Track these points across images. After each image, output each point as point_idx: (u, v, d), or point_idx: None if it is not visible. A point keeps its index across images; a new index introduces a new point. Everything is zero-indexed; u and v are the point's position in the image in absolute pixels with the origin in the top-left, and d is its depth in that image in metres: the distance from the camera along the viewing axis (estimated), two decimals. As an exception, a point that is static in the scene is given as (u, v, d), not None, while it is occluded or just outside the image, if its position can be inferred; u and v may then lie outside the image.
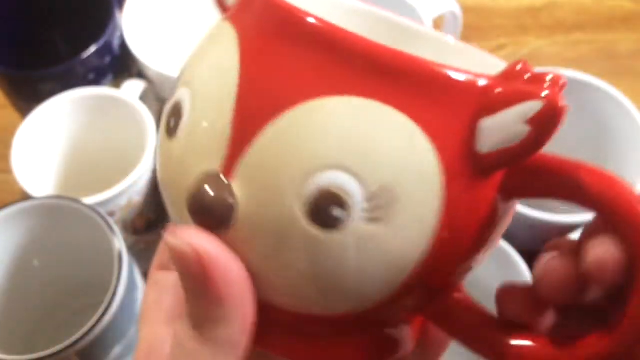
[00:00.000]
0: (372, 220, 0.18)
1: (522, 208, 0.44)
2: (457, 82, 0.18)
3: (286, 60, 0.18)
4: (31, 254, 0.44)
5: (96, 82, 0.52)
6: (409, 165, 0.18)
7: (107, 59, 0.52)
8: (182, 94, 0.20)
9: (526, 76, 0.18)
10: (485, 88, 0.18)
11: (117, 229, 0.39)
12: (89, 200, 0.42)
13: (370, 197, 0.17)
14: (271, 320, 0.20)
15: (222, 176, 0.18)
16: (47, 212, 0.41)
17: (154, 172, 0.47)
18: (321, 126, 0.18)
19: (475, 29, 0.62)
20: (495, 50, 0.63)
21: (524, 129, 0.17)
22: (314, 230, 0.18)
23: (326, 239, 0.18)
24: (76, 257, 0.45)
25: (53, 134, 0.50)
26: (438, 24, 0.55)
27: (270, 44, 0.18)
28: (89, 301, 0.45)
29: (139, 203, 0.47)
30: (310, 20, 0.18)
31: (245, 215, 0.18)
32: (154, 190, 0.48)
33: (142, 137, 0.47)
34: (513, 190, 0.19)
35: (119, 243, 0.38)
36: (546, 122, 0.17)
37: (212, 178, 0.18)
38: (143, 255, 0.50)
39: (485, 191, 0.19)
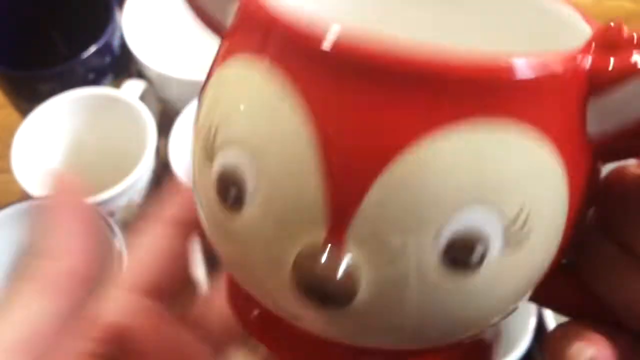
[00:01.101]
0: (511, 246, 0.16)
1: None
2: (557, 71, 0.15)
3: (365, 103, 0.15)
4: (31, 254, 0.44)
5: (96, 82, 0.52)
6: (536, 177, 0.16)
7: (107, 59, 0.52)
8: (236, 158, 0.16)
9: (630, 39, 0.16)
10: (588, 67, 0.16)
11: (117, 229, 0.39)
12: (88, 200, 0.42)
13: (509, 225, 0.15)
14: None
15: (332, 247, 0.16)
16: (47, 212, 0.41)
17: (154, 172, 0.47)
18: (439, 169, 0.15)
19: (475, 29, 0.62)
20: (495, 50, 0.62)
21: None
22: (455, 278, 0.16)
23: (465, 282, 0.16)
24: (76, 257, 0.45)
25: (53, 134, 0.50)
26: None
27: (338, 86, 0.15)
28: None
29: (138, 203, 0.47)
30: (382, 52, 0.15)
31: (369, 278, 0.16)
32: (154, 190, 0.48)
33: (142, 137, 0.47)
34: (614, 157, 0.17)
35: (119, 243, 0.38)
36: None
37: (325, 252, 0.16)
38: (143, 255, 0.50)
39: (596, 170, 0.17)
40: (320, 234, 0.16)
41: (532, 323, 0.40)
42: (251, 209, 0.16)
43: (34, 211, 0.41)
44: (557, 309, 0.21)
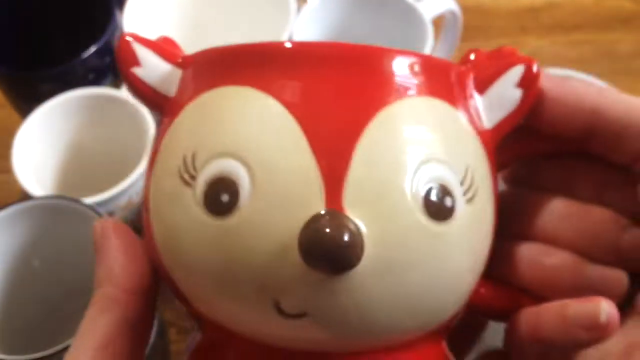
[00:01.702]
0: (469, 200, 0.19)
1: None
2: (458, 69, 0.21)
3: (326, 88, 0.18)
4: (31, 254, 0.44)
5: (96, 82, 0.52)
6: (471, 146, 0.20)
7: (107, 59, 0.52)
8: (225, 166, 0.18)
9: (488, 56, 0.21)
10: (466, 72, 0.21)
11: (117, 229, 0.39)
12: (89, 200, 0.42)
13: (462, 180, 0.19)
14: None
15: (334, 214, 0.17)
16: (47, 212, 0.41)
17: (154, 172, 0.47)
18: (406, 128, 0.18)
19: (475, 29, 0.62)
20: (495, 50, 0.63)
21: (517, 93, 0.20)
22: (437, 227, 0.18)
23: (448, 230, 0.18)
24: (76, 257, 0.45)
25: (53, 134, 0.50)
26: (438, 24, 0.55)
27: (303, 80, 0.19)
28: (89, 301, 0.45)
29: (139, 203, 0.47)
30: (322, 45, 0.20)
31: (370, 239, 0.17)
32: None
33: (142, 137, 0.47)
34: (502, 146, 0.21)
35: (119, 243, 0.38)
36: (533, 81, 0.20)
37: (327, 216, 0.17)
38: (143, 255, 0.50)
39: (495, 162, 0.21)
40: (321, 205, 0.17)
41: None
42: (250, 205, 0.18)
43: (34, 211, 0.41)
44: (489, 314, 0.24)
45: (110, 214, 0.45)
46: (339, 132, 0.18)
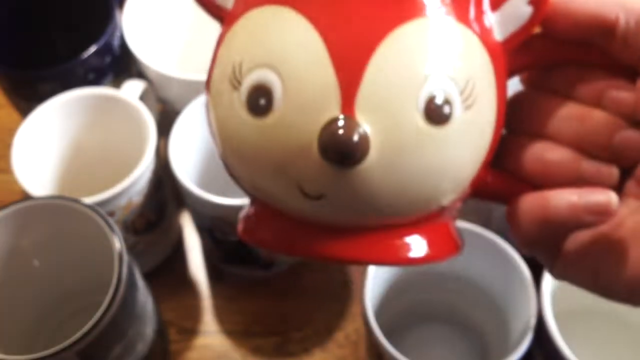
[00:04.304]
0: (468, 107, 0.22)
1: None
2: None
3: (348, 9, 0.22)
4: (31, 254, 0.44)
5: (96, 82, 0.52)
6: (476, 59, 0.23)
7: (107, 59, 0.52)
8: (263, 75, 0.22)
9: None
10: None
11: (117, 229, 0.39)
12: (89, 200, 0.42)
13: (462, 91, 0.22)
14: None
15: (347, 116, 0.21)
16: (47, 212, 0.41)
17: (154, 172, 0.47)
18: (413, 47, 0.22)
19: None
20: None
21: (528, 10, 0.23)
22: (434, 130, 0.22)
23: (445, 132, 0.22)
24: (76, 257, 0.45)
25: (53, 134, 0.50)
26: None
27: (328, 0, 0.22)
28: (89, 301, 0.45)
29: (139, 203, 0.47)
30: None
31: (376, 139, 0.21)
32: (154, 190, 0.48)
33: (142, 137, 0.47)
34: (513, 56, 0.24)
35: (119, 243, 0.38)
36: (543, 0, 0.23)
37: (341, 120, 0.21)
38: (143, 255, 0.50)
39: (504, 72, 0.24)
40: (337, 110, 0.21)
41: (532, 323, 0.40)
42: (281, 108, 0.22)
43: (34, 211, 0.41)
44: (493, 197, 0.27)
45: (110, 214, 0.45)
46: (356, 47, 0.21)
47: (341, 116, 0.21)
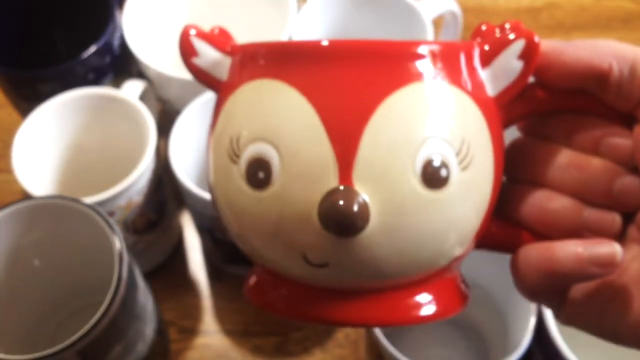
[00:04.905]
0: (464, 168, 0.22)
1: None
2: (462, 50, 0.23)
3: (340, 81, 0.22)
4: (31, 254, 0.44)
5: (96, 82, 0.52)
6: (470, 119, 0.23)
7: (107, 59, 0.52)
8: (260, 149, 0.22)
9: (495, 30, 0.24)
10: (477, 50, 0.24)
11: (117, 228, 0.39)
12: (89, 200, 0.42)
13: (458, 152, 0.22)
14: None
15: (346, 187, 0.21)
16: (47, 212, 0.41)
17: (154, 172, 0.47)
18: (406, 114, 0.22)
19: (475, 29, 0.62)
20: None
21: (519, 64, 0.23)
22: (433, 194, 0.22)
23: (444, 195, 0.22)
24: (76, 257, 0.45)
25: (53, 134, 0.50)
26: (438, 24, 0.55)
27: (320, 73, 0.22)
28: (89, 301, 0.45)
29: (139, 203, 0.47)
30: (332, 43, 0.22)
31: (375, 207, 0.22)
32: (154, 190, 0.48)
33: (142, 137, 0.47)
34: (508, 110, 0.24)
35: (119, 243, 0.38)
36: (533, 53, 0.23)
37: (340, 191, 0.21)
38: (143, 255, 0.50)
39: (500, 126, 0.24)
40: (335, 181, 0.22)
41: (532, 323, 0.40)
42: (280, 181, 0.22)
43: (34, 211, 0.41)
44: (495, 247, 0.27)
45: (110, 214, 0.45)
46: (349, 119, 0.22)
47: (340, 187, 0.21)
